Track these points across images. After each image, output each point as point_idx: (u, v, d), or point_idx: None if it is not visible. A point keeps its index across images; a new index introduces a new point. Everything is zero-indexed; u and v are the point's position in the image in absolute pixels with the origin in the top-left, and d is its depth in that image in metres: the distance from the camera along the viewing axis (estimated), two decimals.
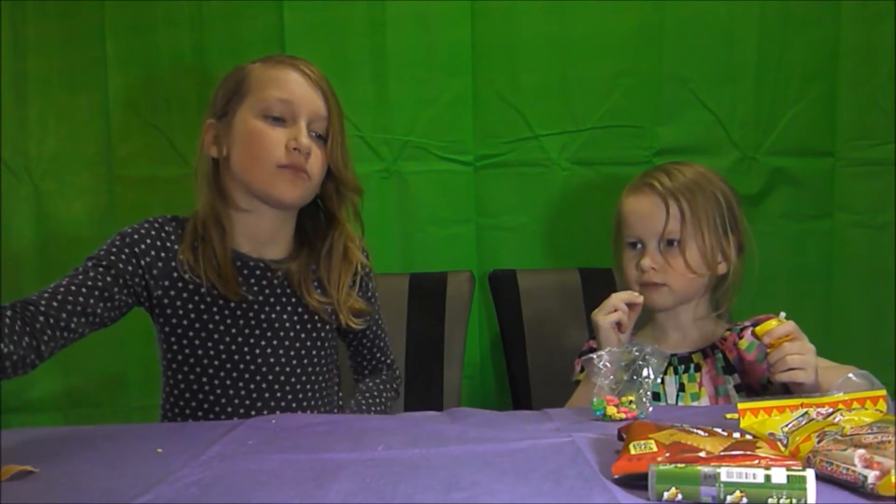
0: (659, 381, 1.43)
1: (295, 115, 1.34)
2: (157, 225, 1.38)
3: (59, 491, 0.90)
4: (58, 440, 1.18)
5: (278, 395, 1.37)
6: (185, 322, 1.35)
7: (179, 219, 1.41)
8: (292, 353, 1.38)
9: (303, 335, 1.40)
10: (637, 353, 1.21)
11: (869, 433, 0.85)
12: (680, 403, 1.44)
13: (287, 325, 1.39)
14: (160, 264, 1.35)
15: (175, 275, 1.35)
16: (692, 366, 1.48)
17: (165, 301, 1.35)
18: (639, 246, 1.50)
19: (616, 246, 1.56)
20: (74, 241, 1.86)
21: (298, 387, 1.39)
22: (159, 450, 1.07)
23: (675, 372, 1.48)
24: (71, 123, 1.85)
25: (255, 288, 1.38)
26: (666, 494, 0.79)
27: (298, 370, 1.39)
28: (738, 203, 1.52)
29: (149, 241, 1.35)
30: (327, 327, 1.43)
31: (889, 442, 0.82)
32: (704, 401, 1.44)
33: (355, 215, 1.46)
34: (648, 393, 1.18)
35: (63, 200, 1.86)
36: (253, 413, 1.35)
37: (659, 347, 1.24)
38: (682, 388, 1.47)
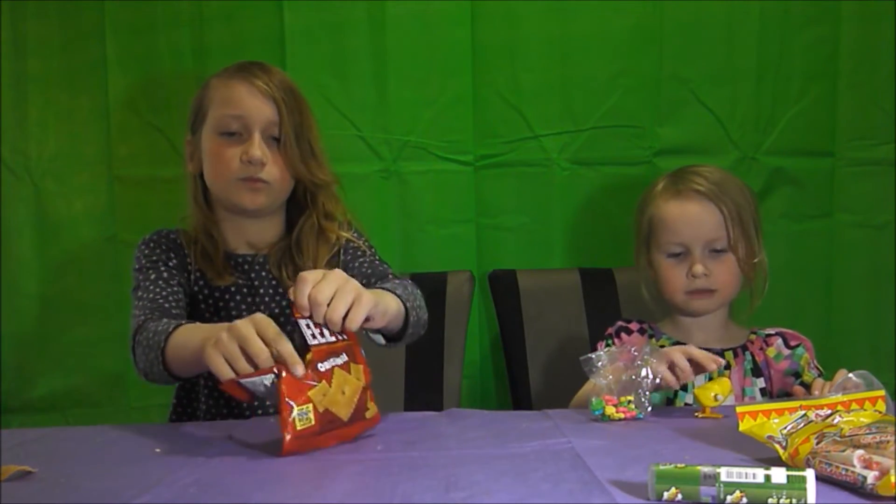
0: None
1: (248, 127, 1.41)
2: (165, 233, 1.49)
3: (58, 491, 0.90)
4: (57, 440, 1.19)
5: None
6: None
7: (179, 231, 1.50)
8: None
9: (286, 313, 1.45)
10: (636, 353, 1.20)
11: (868, 433, 0.85)
12: None
13: (272, 305, 1.45)
14: (183, 262, 1.45)
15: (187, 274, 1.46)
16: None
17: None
18: (681, 253, 1.45)
19: (640, 253, 1.52)
20: (74, 241, 1.86)
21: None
22: (158, 450, 1.07)
23: None
24: (71, 123, 1.85)
25: (246, 279, 1.46)
26: (666, 494, 0.79)
27: None
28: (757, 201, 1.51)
29: (167, 243, 1.46)
30: None
31: (888, 442, 0.82)
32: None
33: (333, 199, 1.51)
34: (647, 392, 1.18)
35: (63, 200, 1.86)
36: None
37: (658, 348, 1.24)
38: None
